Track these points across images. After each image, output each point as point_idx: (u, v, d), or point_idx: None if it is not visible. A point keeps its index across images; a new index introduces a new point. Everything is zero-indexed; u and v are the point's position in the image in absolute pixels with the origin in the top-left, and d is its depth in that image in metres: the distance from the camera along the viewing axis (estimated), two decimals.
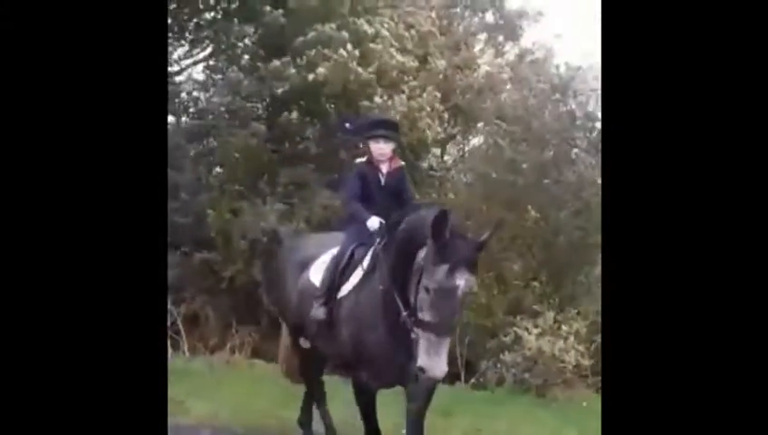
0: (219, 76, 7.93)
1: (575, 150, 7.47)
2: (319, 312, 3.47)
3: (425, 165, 8.14)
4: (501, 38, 10.32)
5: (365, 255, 3.39)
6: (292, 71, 7.07)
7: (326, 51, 7.03)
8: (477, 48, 10.19)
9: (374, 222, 3.42)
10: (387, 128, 3.79)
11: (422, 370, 2.79)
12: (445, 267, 2.76)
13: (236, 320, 6.94)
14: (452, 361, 6.66)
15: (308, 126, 7.50)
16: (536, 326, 6.33)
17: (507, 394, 6.12)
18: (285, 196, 7.39)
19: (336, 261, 3.54)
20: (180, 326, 6.68)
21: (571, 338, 6.27)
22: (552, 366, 6.10)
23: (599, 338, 6.69)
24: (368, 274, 3.31)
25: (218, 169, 7.50)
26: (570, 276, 7.12)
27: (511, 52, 10.26)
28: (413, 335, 2.88)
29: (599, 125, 8.91)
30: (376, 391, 3.37)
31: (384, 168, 3.71)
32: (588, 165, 7.36)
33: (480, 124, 8.55)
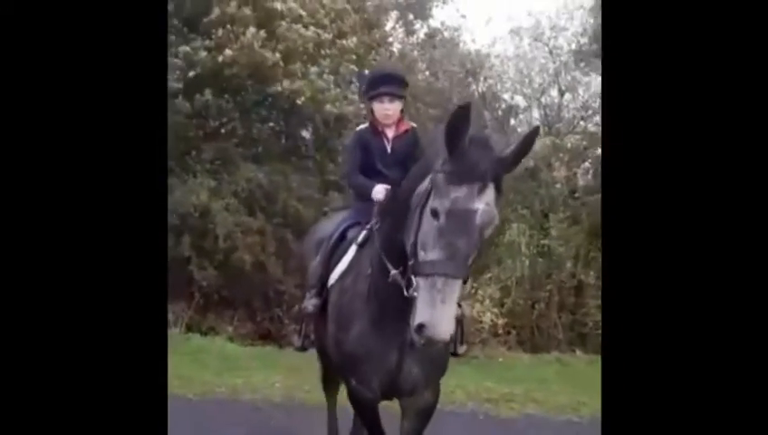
0: None
1: (486, 131, 8.10)
2: (308, 304, 2.96)
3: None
4: (411, 16, 10.48)
5: (360, 232, 2.78)
6: (203, 54, 7.14)
7: (232, 31, 7.11)
8: (389, 26, 10.51)
9: (379, 191, 2.83)
10: (390, 83, 3.01)
11: (421, 328, 1.99)
12: (461, 185, 2.05)
13: (171, 295, 7.03)
14: None
15: (224, 103, 7.57)
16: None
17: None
18: (212, 171, 7.50)
19: (327, 243, 3.03)
20: None
21: (487, 301, 6.97)
22: (472, 327, 6.76)
23: (509, 300, 7.49)
24: (358, 253, 2.72)
25: None
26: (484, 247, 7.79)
27: (420, 31, 10.70)
28: (407, 293, 2.13)
29: (504, 106, 9.70)
30: (373, 402, 2.64)
31: (390, 132, 3.04)
32: (497, 144, 8.01)
33: None
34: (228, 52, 7.13)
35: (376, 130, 3.03)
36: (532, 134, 2.20)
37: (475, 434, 4.41)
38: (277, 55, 7.34)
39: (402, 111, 3.06)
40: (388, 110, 2.97)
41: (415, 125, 3.17)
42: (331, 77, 7.77)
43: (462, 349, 3.23)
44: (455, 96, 8.37)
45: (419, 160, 2.49)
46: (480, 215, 2.04)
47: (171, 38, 7.48)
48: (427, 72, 9.68)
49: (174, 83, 7.71)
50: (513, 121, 9.74)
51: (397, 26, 10.72)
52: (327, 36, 8.02)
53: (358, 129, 3.19)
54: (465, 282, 2.13)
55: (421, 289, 2.04)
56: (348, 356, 2.59)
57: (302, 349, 3.19)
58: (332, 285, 2.78)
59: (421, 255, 2.10)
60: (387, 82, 3.01)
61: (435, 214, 2.08)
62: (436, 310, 1.98)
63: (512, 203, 7.71)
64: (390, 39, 10.25)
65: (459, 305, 3.06)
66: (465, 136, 2.08)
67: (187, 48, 7.21)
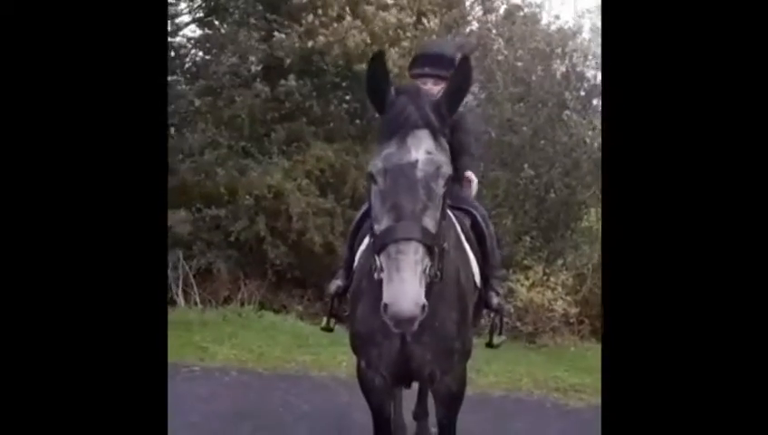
0: (218, 34, 8.08)
1: (566, 111, 7.80)
2: (332, 285, 2.88)
3: None
4: None
5: None
6: (296, 43, 7.27)
7: (323, 18, 7.21)
8: (468, 3, 10.33)
9: None
10: (435, 65, 2.83)
11: (385, 307, 1.77)
12: (391, 139, 1.88)
13: (244, 274, 7.30)
14: None
15: (305, 86, 7.67)
16: (527, 278, 6.79)
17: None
18: (285, 152, 7.66)
19: (353, 224, 2.92)
20: (192, 280, 7.01)
21: (559, 289, 6.75)
22: (542, 315, 6.60)
23: (584, 289, 7.23)
24: None
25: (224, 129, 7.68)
26: (558, 231, 7.55)
27: (500, 8, 10.44)
28: (376, 276, 1.88)
29: (587, 85, 9.29)
30: (381, 387, 2.46)
31: None
32: (578, 125, 7.70)
33: (474, 82, 8.78)
34: (321, 38, 7.25)
35: None
36: (463, 64, 2.00)
37: (541, 423, 4.31)
38: (365, 35, 7.42)
39: None
40: (431, 90, 2.72)
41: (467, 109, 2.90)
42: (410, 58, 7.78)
43: (499, 339, 3.15)
44: (534, 75, 8.10)
45: None
46: (421, 165, 1.85)
47: (252, 21, 7.69)
48: (506, 51, 9.45)
49: (254, 67, 7.96)
50: (595, 102, 9.33)
51: (475, 4, 10.57)
52: (408, 20, 8.03)
53: None
54: (431, 248, 1.85)
55: (382, 265, 1.83)
56: (355, 336, 2.45)
57: (328, 329, 3.11)
58: (356, 267, 2.65)
59: (375, 229, 1.90)
60: (432, 63, 2.84)
61: (372, 178, 1.92)
62: (394, 283, 1.75)
63: (590, 186, 7.40)
64: (469, 18, 10.11)
65: (497, 294, 2.98)
66: (387, 88, 1.94)
67: (282, 36, 7.40)
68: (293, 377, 4.94)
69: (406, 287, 1.75)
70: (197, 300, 6.96)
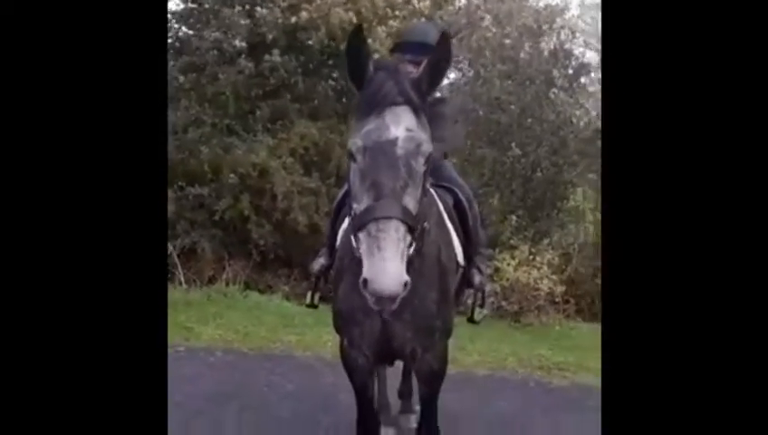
0: (201, 8, 7.92)
1: (554, 90, 7.76)
2: (315, 264, 2.86)
3: None
4: None
5: None
6: (279, 19, 7.15)
7: None
8: None
9: None
10: (414, 52, 2.78)
11: (365, 283, 1.75)
12: (370, 115, 1.86)
13: (229, 254, 7.24)
14: None
15: (289, 62, 7.58)
16: (513, 258, 6.81)
17: (485, 320, 6.66)
18: (269, 130, 7.57)
19: (335, 203, 2.87)
20: (176, 259, 6.95)
21: (545, 268, 6.78)
22: (528, 294, 6.62)
23: (570, 268, 7.27)
24: None
25: (208, 106, 7.56)
26: (544, 211, 7.57)
27: None
28: (356, 254, 1.89)
29: (574, 63, 9.24)
30: (363, 366, 2.46)
31: None
32: (565, 103, 7.69)
33: (462, 60, 8.71)
34: (304, 14, 7.14)
35: None
36: (442, 40, 1.96)
37: (525, 402, 4.34)
38: (351, 15, 7.30)
39: None
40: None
41: (446, 96, 2.88)
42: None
43: (480, 315, 3.16)
44: (522, 52, 8.04)
45: None
46: (401, 143, 1.83)
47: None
48: (494, 29, 9.37)
49: (238, 42, 7.81)
50: (583, 80, 9.29)
51: None
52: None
53: None
54: (413, 227, 1.84)
55: (362, 243, 1.81)
56: (337, 315, 2.44)
57: (313, 306, 3.11)
58: (338, 246, 2.61)
59: (354, 208, 1.89)
60: (414, 51, 2.79)
61: (352, 156, 1.89)
62: (375, 260, 1.73)
63: (577, 165, 7.41)
64: None
65: (480, 272, 2.98)
66: (366, 63, 1.91)
67: (264, 11, 7.26)
68: (279, 357, 4.93)
69: (387, 265, 1.73)
70: (182, 280, 6.90)
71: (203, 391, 3.97)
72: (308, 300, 3.13)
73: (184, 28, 7.98)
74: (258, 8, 7.31)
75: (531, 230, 7.23)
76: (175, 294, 6.65)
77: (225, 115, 7.44)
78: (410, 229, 1.83)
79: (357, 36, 1.92)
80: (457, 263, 2.74)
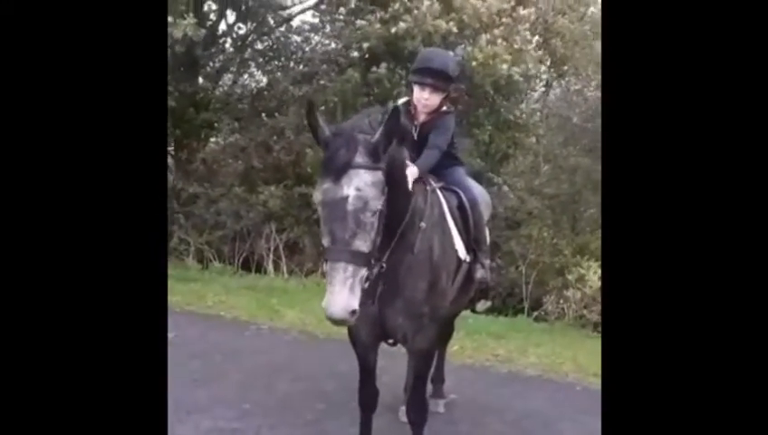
0: (327, 20, 8.69)
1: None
2: None
3: (503, 109, 8.40)
4: None
5: None
6: (378, 27, 7.62)
7: (408, 2, 7.49)
8: None
9: None
10: (434, 77, 3.02)
11: (324, 308, 2.21)
12: (327, 176, 2.26)
13: None
14: (517, 296, 7.28)
15: (395, 74, 8.00)
16: (600, 267, 6.68)
17: (565, 327, 6.63)
18: None
19: None
20: (281, 251, 7.74)
21: None
22: None
23: None
24: None
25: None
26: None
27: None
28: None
29: None
30: (367, 340, 2.93)
31: (421, 117, 3.10)
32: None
33: (567, 69, 8.63)
34: (402, 24, 7.58)
35: (408, 111, 3.06)
36: (393, 115, 2.31)
37: (559, 400, 4.36)
38: (451, 24, 7.65)
39: (445, 102, 3.07)
40: (428, 100, 3.03)
41: (452, 110, 3.16)
42: (504, 43, 7.91)
43: (482, 306, 3.53)
44: None
45: None
46: (352, 201, 2.22)
47: (351, 6, 8.20)
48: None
49: (348, 52, 8.47)
50: None
51: None
52: (505, 6, 8.12)
53: (399, 102, 3.13)
54: (370, 265, 2.29)
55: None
56: None
57: None
58: None
59: (323, 242, 2.33)
60: (434, 76, 3.02)
61: (317, 205, 2.32)
62: (328, 292, 2.20)
63: None
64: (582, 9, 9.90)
65: (482, 266, 3.26)
66: (320, 133, 2.31)
67: (363, 21, 7.85)
68: (342, 341, 5.38)
69: (336, 297, 2.18)
70: (284, 270, 7.67)
71: (265, 363, 4.58)
72: None
73: (297, 39, 8.75)
74: (358, 20, 7.82)
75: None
76: (276, 281, 7.44)
77: (332, 122, 8.06)
78: (365, 263, 2.27)
79: (309, 114, 2.35)
80: (458, 258, 3.08)
